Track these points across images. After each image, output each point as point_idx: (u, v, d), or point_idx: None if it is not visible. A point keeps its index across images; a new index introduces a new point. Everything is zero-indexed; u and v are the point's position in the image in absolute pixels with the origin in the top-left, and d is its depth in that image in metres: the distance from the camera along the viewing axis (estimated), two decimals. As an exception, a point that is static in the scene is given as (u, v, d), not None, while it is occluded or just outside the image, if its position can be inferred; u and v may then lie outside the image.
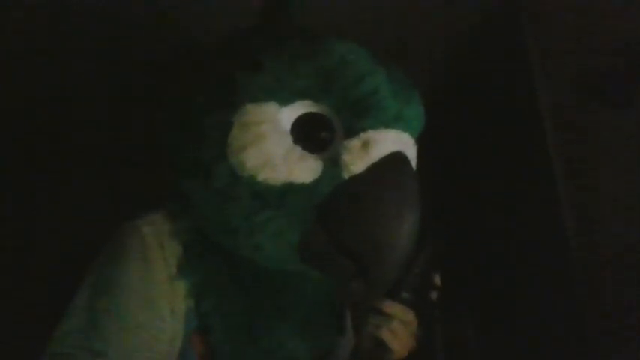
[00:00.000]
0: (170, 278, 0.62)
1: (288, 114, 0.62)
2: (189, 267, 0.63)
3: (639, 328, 1.18)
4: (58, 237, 1.73)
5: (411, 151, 0.66)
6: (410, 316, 0.67)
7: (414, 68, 1.64)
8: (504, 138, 1.55)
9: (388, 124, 0.62)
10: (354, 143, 0.60)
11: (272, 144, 0.59)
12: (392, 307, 0.66)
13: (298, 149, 0.60)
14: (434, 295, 0.69)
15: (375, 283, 0.61)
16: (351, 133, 0.61)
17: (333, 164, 0.60)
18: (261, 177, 0.58)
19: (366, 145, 0.60)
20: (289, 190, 0.59)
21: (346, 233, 0.59)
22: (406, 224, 0.58)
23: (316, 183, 0.59)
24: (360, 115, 0.61)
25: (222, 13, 1.26)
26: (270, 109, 0.61)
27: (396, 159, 0.61)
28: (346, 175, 0.59)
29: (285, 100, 0.61)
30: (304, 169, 0.59)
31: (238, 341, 0.62)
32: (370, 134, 0.61)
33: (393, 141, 0.62)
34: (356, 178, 0.59)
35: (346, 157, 0.60)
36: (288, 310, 0.65)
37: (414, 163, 0.66)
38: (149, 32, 1.48)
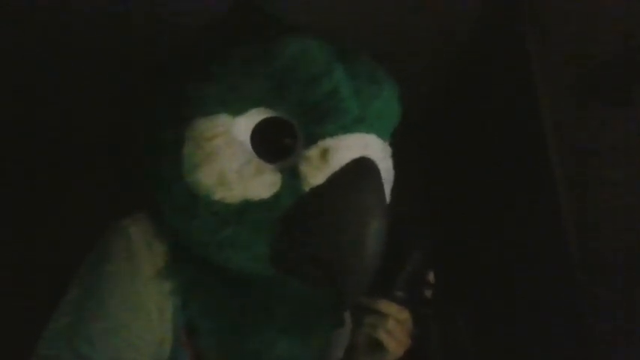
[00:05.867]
0: (157, 277, 0.61)
1: (244, 124, 0.59)
2: (175, 267, 0.62)
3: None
4: (59, 237, 1.73)
5: (377, 152, 0.61)
6: (405, 314, 0.67)
7: (414, 69, 1.66)
8: (504, 138, 1.54)
9: (349, 128, 0.58)
10: (312, 153, 0.57)
11: (225, 160, 0.57)
12: (387, 307, 0.66)
13: (255, 162, 0.58)
14: (428, 293, 0.69)
15: (344, 292, 0.60)
16: (310, 140, 0.58)
17: (292, 176, 0.57)
18: (217, 196, 0.56)
19: (324, 154, 0.56)
20: (247, 207, 0.56)
21: (311, 244, 0.57)
22: (370, 232, 0.56)
23: (276, 197, 0.56)
24: (317, 121, 0.57)
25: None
26: (221, 121, 0.58)
27: (359, 166, 0.58)
28: (306, 188, 0.56)
29: (237, 110, 0.59)
30: (261, 184, 0.56)
31: (226, 342, 0.61)
32: (328, 142, 0.57)
33: (355, 146, 0.58)
34: (316, 190, 0.56)
35: (304, 169, 0.56)
36: (276, 310, 0.64)
37: (382, 163, 0.62)
38: (150, 33, 1.48)
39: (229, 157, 0.57)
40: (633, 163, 1.20)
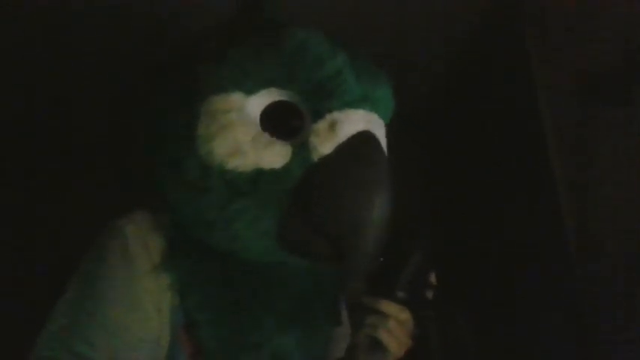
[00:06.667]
0: (155, 274, 0.61)
1: (256, 103, 0.62)
2: (173, 262, 0.62)
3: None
4: (59, 237, 1.73)
5: (380, 130, 0.66)
6: (406, 315, 0.67)
7: (414, 69, 1.66)
8: (504, 138, 1.54)
9: (354, 105, 0.63)
10: (321, 125, 0.61)
11: (239, 131, 0.59)
12: (388, 307, 0.66)
13: (266, 135, 0.61)
14: (430, 294, 0.69)
15: (351, 264, 0.61)
16: (318, 115, 0.62)
17: (302, 148, 0.60)
18: (230, 165, 0.59)
19: (332, 125, 0.60)
20: (260, 175, 0.59)
21: (319, 216, 0.59)
22: (377, 201, 0.58)
23: (286, 167, 0.59)
24: (324, 98, 0.62)
25: (223, 14, 1.27)
26: (236, 98, 0.61)
27: (364, 137, 0.62)
28: (315, 158, 0.59)
29: (250, 90, 0.62)
30: (273, 154, 0.59)
31: (225, 337, 0.62)
32: (336, 115, 0.61)
33: (360, 120, 0.62)
34: (325, 160, 0.59)
35: (313, 139, 0.60)
36: (275, 305, 0.65)
37: (384, 143, 0.66)
38: (150, 33, 1.48)
39: (243, 130, 0.60)
40: (633, 163, 1.20)
